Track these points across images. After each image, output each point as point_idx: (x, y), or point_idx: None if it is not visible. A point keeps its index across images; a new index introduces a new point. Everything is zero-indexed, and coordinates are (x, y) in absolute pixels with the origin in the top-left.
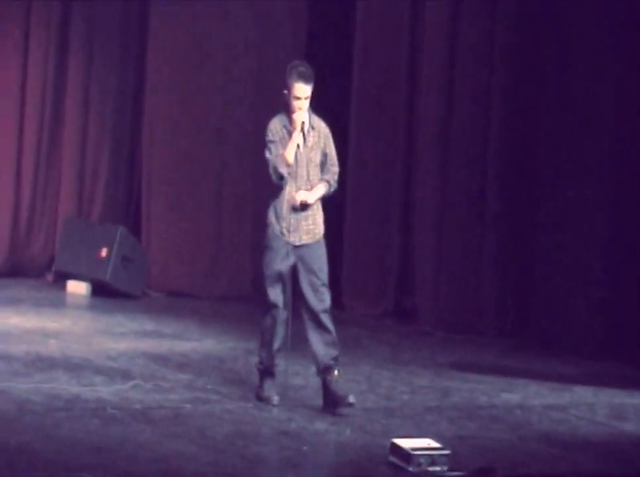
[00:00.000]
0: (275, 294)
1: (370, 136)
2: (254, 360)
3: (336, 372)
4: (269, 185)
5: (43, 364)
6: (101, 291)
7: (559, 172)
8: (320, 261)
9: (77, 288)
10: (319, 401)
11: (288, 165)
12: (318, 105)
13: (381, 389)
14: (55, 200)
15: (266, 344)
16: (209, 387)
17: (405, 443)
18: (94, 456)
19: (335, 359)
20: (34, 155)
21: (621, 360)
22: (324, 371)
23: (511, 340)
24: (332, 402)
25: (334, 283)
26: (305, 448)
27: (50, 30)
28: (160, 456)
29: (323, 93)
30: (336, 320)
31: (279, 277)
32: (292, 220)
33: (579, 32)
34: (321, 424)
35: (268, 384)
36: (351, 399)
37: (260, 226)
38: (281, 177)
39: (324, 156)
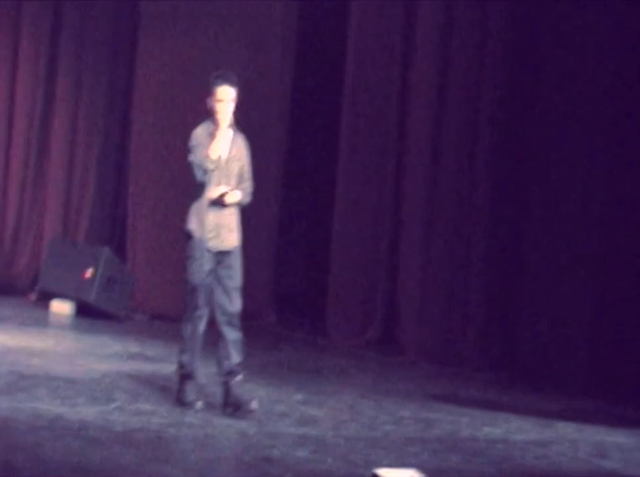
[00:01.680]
0: (200, 303)
1: (359, 150)
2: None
3: (239, 377)
4: (194, 193)
5: (26, 383)
6: (85, 311)
7: (548, 195)
8: (235, 266)
9: (61, 308)
10: (302, 429)
11: (212, 162)
12: (309, 111)
13: (364, 419)
14: (41, 219)
15: (188, 349)
16: (191, 411)
17: (387, 474)
18: (75, 476)
19: (239, 364)
20: (20, 173)
21: (604, 397)
22: (228, 374)
23: (495, 374)
24: (233, 405)
25: (320, 313)
26: (287, 475)
27: (41, 38)
28: None
29: (315, 101)
30: (320, 349)
31: (204, 286)
32: (213, 227)
33: (575, 33)
34: (303, 452)
35: (190, 388)
36: (253, 405)
37: (246, 251)
38: (206, 172)
39: (242, 169)
